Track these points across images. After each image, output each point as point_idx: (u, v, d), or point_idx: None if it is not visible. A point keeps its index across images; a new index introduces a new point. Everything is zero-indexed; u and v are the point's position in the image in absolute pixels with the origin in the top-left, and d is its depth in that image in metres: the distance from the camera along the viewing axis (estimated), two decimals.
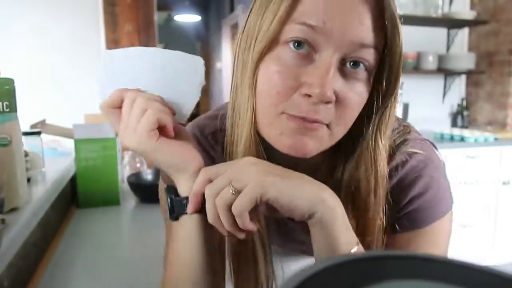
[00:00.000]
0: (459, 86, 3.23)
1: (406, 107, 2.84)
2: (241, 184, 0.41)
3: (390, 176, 0.52)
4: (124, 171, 1.43)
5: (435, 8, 2.89)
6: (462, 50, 3.17)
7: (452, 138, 2.63)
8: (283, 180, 0.41)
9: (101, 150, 1.15)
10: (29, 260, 0.79)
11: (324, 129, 0.45)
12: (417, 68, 2.90)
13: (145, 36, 2.13)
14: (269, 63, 0.44)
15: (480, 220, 2.61)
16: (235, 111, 0.49)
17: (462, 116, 3.13)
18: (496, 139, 2.57)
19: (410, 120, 2.72)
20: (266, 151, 0.49)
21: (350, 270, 0.22)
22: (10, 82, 0.72)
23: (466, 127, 3.08)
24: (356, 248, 0.43)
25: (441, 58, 2.96)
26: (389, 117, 0.48)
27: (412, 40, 2.96)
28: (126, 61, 0.49)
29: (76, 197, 1.17)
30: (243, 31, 0.48)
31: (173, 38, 7.76)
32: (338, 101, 0.44)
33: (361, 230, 0.49)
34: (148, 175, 1.38)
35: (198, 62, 0.49)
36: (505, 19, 2.86)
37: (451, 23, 3.00)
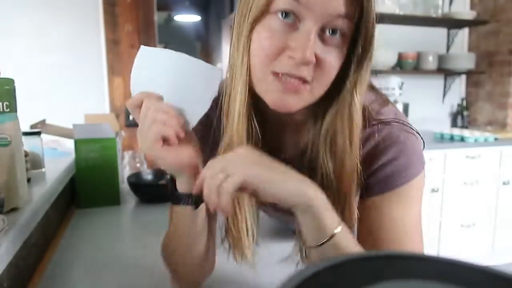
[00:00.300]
0: (459, 86, 3.23)
1: (406, 107, 2.84)
2: (230, 172, 0.48)
3: (366, 141, 0.59)
4: (124, 171, 1.43)
5: (435, 8, 2.89)
6: (462, 50, 3.17)
7: (452, 138, 2.63)
8: (268, 174, 0.49)
9: (101, 150, 1.15)
10: (29, 260, 0.79)
11: (306, 87, 0.53)
12: (417, 68, 2.90)
13: (145, 36, 2.13)
14: (260, 30, 0.52)
15: (480, 220, 2.61)
16: (233, 72, 0.57)
17: (462, 116, 3.13)
18: (496, 139, 2.57)
19: (410, 120, 2.70)
20: (262, 106, 0.57)
21: (350, 270, 0.22)
22: (10, 82, 0.72)
23: (466, 127, 3.09)
24: (339, 228, 0.50)
25: (441, 58, 2.96)
26: (364, 76, 0.55)
27: (412, 40, 2.96)
28: (156, 60, 0.55)
29: (76, 197, 1.17)
30: (239, 5, 0.56)
31: (173, 38, 7.75)
32: (318, 63, 0.51)
33: (339, 186, 0.57)
34: (148, 175, 1.38)
35: (216, 73, 0.55)
36: (505, 19, 2.86)
37: (451, 23, 3.00)
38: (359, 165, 0.57)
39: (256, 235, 0.66)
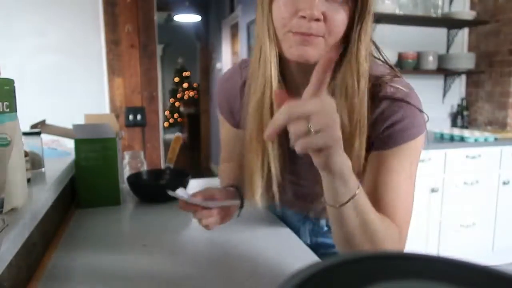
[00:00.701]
0: (459, 86, 3.23)
1: None
2: (316, 126, 0.50)
3: (379, 102, 0.70)
4: (124, 171, 1.43)
5: (435, 8, 2.89)
6: (462, 50, 3.17)
7: (452, 138, 2.63)
8: (340, 143, 0.55)
9: (101, 150, 1.15)
10: (29, 260, 0.79)
11: (320, 39, 0.64)
12: (417, 68, 2.90)
13: (145, 36, 2.13)
14: (277, 0, 0.66)
15: (480, 220, 2.61)
16: (260, 41, 0.71)
17: (462, 116, 3.13)
18: (496, 139, 2.57)
19: None
20: (286, 70, 0.73)
21: (350, 270, 0.22)
22: (10, 82, 0.72)
23: (466, 127, 3.09)
24: (359, 190, 0.60)
25: (441, 58, 2.96)
26: (365, 28, 0.66)
27: (412, 40, 2.96)
28: None
29: (76, 197, 1.17)
30: None
31: (173, 38, 7.76)
32: (326, 19, 0.63)
33: (351, 132, 0.68)
34: (148, 175, 1.38)
35: None
36: (505, 19, 2.86)
37: (451, 23, 3.00)
38: (366, 112, 0.68)
39: (276, 180, 0.77)
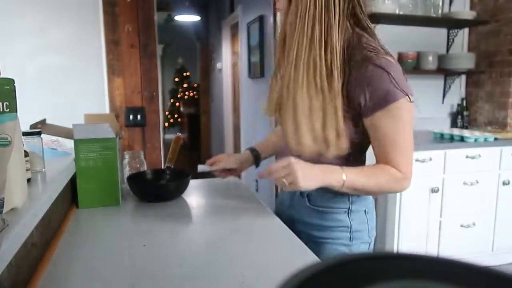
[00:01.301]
0: (459, 86, 3.23)
1: None
2: (291, 179, 0.89)
3: (360, 66, 0.88)
4: (124, 171, 1.43)
5: (435, 8, 2.89)
6: (462, 50, 3.17)
7: (452, 138, 2.63)
8: (307, 182, 0.90)
9: (101, 150, 1.15)
10: (29, 260, 0.79)
11: None
12: (417, 68, 2.90)
13: (145, 36, 2.13)
14: None
15: (480, 220, 2.61)
16: None
17: (462, 116, 3.13)
18: (496, 139, 2.57)
19: None
20: None
21: (350, 270, 0.22)
22: (10, 82, 0.72)
23: (466, 127, 3.08)
24: (344, 176, 0.90)
25: (441, 58, 2.96)
26: None
27: (412, 40, 2.96)
28: None
29: (76, 197, 1.17)
30: None
31: (173, 38, 7.76)
32: None
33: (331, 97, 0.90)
34: (148, 175, 1.38)
35: None
36: (505, 19, 2.86)
37: (451, 23, 3.00)
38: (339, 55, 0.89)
39: None
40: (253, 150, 1.28)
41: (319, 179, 0.89)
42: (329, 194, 1.01)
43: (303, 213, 1.08)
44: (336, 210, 1.03)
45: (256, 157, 1.27)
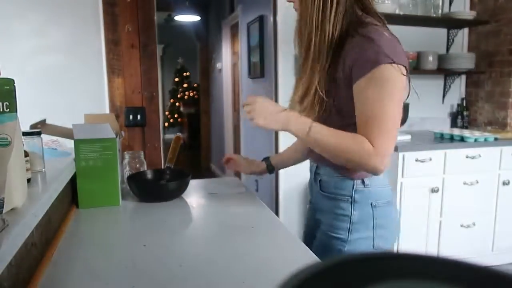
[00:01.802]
0: (459, 86, 3.23)
1: (406, 107, 2.84)
2: (253, 116, 0.96)
3: (352, 39, 0.91)
4: (124, 171, 1.43)
5: (435, 8, 2.88)
6: (462, 50, 3.17)
7: (452, 138, 2.63)
8: (265, 121, 0.95)
9: (101, 150, 1.15)
10: (29, 260, 0.79)
11: None
12: (417, 68, 2.90)
13: (145, 36, 2.13)
14: None
15: (480, 220, 2.61)
16: None
17: (462, 116, 3.13)
18: (496, 139, 2.57)
19: (410, 120, 2.72)
20: None
21: (350, 270, 0.22)
22: (10, 82, 0.72)
23: (466, 127, 3.08)
24: (311, 123, 0.92)
25: (441, 58, 2.96)
26: None
27: (412, 40, 2.96)
28: None
29: (76, 197, 1.17)
30: None
31: (173, 38, 7.76)
32: None
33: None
34: (148, 175, 1.38)
35: None
36: (505, 19, 2.86)
37: (451, 23, 3.00)
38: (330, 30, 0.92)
39: None
40: (267, 159, 1.33)
41: (280, 121, 0.94)
42: (335, 178, 1.02)
43: (318, 200, 1.10)
44: (340, 197, 1.01)
45: (269, 166, 1.32)
